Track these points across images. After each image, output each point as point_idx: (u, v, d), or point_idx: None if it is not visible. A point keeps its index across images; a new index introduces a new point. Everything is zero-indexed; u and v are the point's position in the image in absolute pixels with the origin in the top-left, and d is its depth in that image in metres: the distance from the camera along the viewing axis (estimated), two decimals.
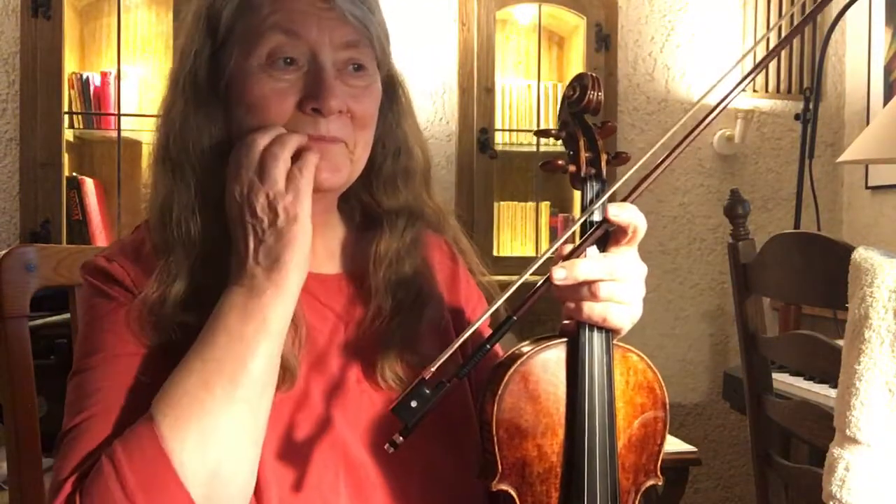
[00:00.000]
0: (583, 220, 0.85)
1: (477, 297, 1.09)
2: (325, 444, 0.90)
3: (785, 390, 2.23)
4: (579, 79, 0.89)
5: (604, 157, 0.88)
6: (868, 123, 3.00)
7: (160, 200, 0.91)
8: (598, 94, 0.87)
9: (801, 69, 3.34)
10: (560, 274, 0.82)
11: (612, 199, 0.86)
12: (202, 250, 0.88)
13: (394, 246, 0.99)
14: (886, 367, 1.12)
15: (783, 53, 3.32)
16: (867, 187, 3.24)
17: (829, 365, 1.34)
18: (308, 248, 0.85)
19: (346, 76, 0.91)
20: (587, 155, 0.88)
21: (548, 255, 0.84)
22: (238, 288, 0.84)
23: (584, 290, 0.83)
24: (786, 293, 1.80)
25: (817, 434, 1.39)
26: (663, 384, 0.91)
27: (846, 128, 3.39)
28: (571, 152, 0.89)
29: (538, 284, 0.84)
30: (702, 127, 0.84)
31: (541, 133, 0.93)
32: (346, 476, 0.90)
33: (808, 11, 0.91)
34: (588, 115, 0.89)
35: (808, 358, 1.48)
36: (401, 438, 0.76)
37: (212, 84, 0.92)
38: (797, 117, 3.11)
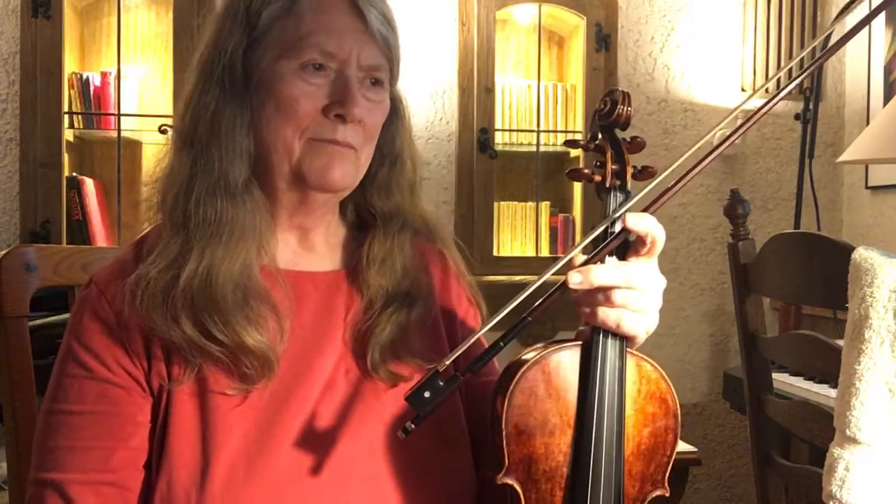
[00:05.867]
0: (603, 228, 0.87)
1: (466, 305, 1.11)
2: (311, 436, 0.92)
3: (785, 390, 2.23)
4: (611, 93, 0.93)
5: (629, 171, 0.91)
6: (868, 123, 3.00)
7: (180, 181, 0.94)
8: (627, 110, 0.91)
9: (802, 68, 3.33)
10: (576, 278, 0.84)
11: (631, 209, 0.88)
12: (217, 233, 0.92)
13: (386, 245, 1.03)
14: (886, 367, 1.12)
15: (783, 54, 3.32)
16: (867, 187, 3.24)
17: (829, 365, 1.34)
18: None
19: (364, 89, 0.96)
20: (614, 167, 0.91)
21: (566, 260, 0.86)
22: None
23: (599, 295, 0.86)
24: (786, 293, 1.80)
25: (817, 434, 1.39)
26: (676, 396, 0.92)
27: (846, 128, 3.38)
28: (598, 163, 0.92)
29: (553, 288, 0.85)
30: (733, 139, 0.88)
31: (570, 143, 1.02)
32: (333, 467, 0.92)
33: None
34: (618, 128, 0.93)
35: (808, 358, 1.48)
36: (412, 426, 0.80)
37: (245, 78, 0.96)
38: (797, 117, 3.11)
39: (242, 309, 0.91)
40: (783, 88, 0.88)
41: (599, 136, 0.93)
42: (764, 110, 0.89)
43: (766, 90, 0.88)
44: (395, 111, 1.05)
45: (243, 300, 0.91)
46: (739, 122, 0.91)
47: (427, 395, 0.80)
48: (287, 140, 0.94)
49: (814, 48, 0.95)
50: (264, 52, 0.95)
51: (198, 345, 0.90)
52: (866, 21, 0.93)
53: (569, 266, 0.86)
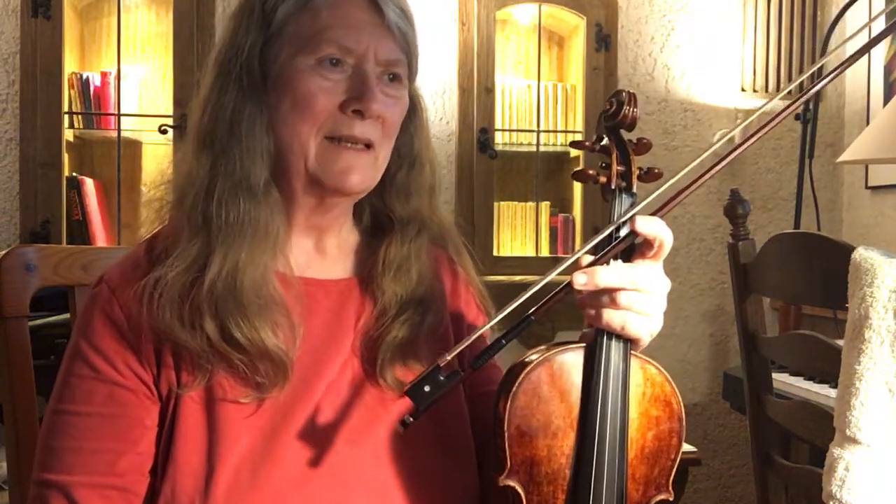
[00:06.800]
0: (610, 231, 0.86)
1: (475, 312, 1.11)
2: (316, 443, 0.91)
3: (785, 390, 2.23)
4: (617, 94, 0.92)
5: (636, 172, 0.90)
6: (868, 123, 3.00)
7: (199, 182, 0.93)
8: (633, 111, 0.90)
9: (801, 69, 3.34)
10: (581, 279, 0.83)
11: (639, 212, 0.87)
12: (241, 234, 0.91)
13: (403, 251, 1.01)
14: (886, 367, 1.12)
15: (783, 54, 3.32)
16: (867, 187, 3.24)
17: (829, 365, 1.34)
18: None
19: (382, 84, 0.95)
20: (619, 168, 0.91)
21: (571, 261, 0.85)
22: None
23: (604, 297, 0.85)
24: (786, 293, 1.80)
25: (817, 434, 1.39)
26: (681, 400, 0.91)
27: (846, 128, 3.38)
28: (604, 164, 0.92)
29: (558, 288, 0.85)
30: (746, 145, 0.87)
31: (576, 144, 0.98)
32: (337, 474, 0.91)
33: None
34: (623, 130, 0.92)
35: (808, 358, 1.48)
36: (411, 419, 0.80)
37: (262, 76, 0.95)
38: (797, 117, 3.11)
39: (263, 314, 0.90)
40: (794, 102, 0.88)
41: (605, 137, 0.93)
42: (777, 120, 0.88)
43: (790, 92, 0.90)
44: (413, 110, 1.04)
45: (264, 305, 0.90)
46: (738, 125, 0.91)
47: (427, 388, 0.80)
48: (302, 138, 0.92)
49: (826, 55, 0.95)
50: (281, 48, 0.94)
51: (217, 349, 0.88)
52: (868, 46, 0.92)
53: (574, 267, 0.85)
